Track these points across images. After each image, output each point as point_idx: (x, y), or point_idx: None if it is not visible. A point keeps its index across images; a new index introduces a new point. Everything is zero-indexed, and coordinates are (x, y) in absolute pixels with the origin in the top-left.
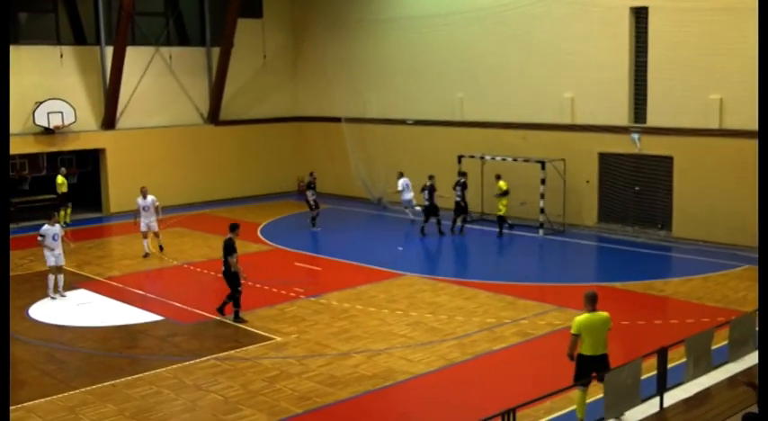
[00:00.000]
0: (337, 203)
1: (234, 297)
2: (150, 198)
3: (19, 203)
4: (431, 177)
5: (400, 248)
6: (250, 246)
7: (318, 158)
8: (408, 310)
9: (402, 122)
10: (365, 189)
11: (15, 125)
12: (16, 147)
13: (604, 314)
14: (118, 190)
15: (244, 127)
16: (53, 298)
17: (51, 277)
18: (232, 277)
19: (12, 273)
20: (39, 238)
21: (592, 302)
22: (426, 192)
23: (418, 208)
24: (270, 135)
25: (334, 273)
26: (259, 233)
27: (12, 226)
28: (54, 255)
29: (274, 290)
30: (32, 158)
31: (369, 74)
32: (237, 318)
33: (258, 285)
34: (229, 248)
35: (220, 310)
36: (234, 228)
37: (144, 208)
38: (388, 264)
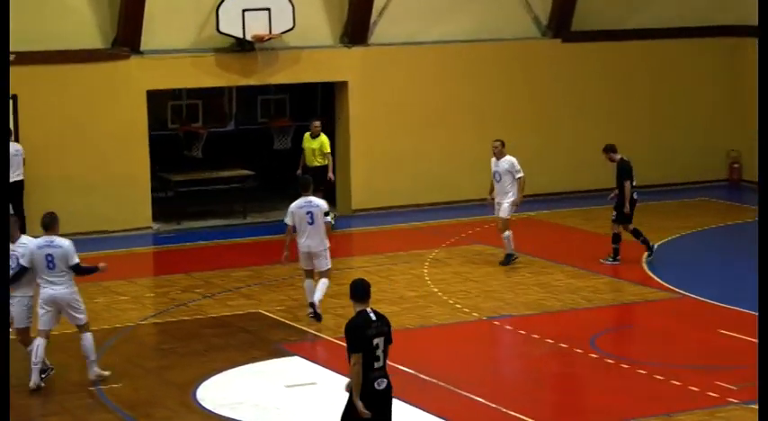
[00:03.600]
0: None
1: None
2: (62, 243)
3: (181, 184)
4: None
5: None
6: (626, 288)
7: None
8: None
9: None
10: None
11: (183, 35)
12: (180, 76)
13: None
14: (368, 165)
15: (618, 46)
16: None
17: None
18: None
19: (158, 319)
20: None
21: None
22: None
23: None
24: (669, 63)
25: None
26: (644, 264)
27: (165, 227)
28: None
29: (676, 383)
30: (211, 98)
31: None
32: None
33: (658, 373)
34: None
35: None
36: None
37: (49, 264)
38: None
